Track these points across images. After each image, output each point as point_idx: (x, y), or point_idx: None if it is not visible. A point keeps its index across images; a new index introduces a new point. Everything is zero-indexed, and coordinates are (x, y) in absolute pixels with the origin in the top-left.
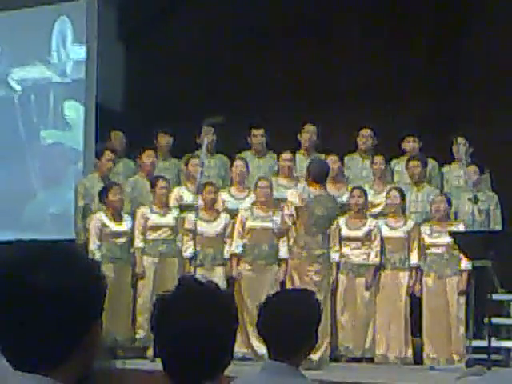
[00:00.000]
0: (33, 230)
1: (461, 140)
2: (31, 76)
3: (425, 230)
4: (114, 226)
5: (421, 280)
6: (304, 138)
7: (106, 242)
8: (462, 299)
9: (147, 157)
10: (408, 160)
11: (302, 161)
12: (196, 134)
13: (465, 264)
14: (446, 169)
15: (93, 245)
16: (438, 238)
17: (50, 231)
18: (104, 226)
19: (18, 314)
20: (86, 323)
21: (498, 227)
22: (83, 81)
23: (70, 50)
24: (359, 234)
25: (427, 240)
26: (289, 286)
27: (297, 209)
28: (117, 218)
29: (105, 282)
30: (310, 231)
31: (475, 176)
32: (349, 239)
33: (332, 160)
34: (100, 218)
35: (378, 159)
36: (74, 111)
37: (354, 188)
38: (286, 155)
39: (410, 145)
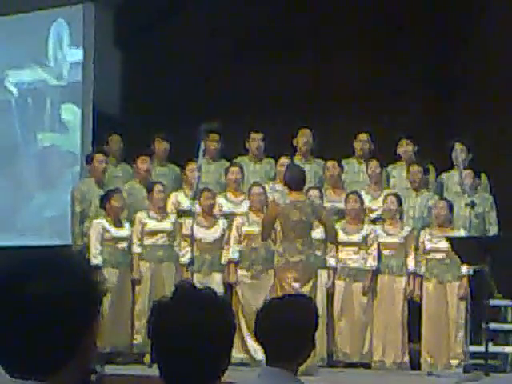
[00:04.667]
0: (29, 234)
1: (459, 146)
2: (28, 79)
3: (425, 235)
4: (115, 231)
5: (420, 285)
6: (300, 142)
7: (107, 248)
8: (463, 304)
9: (142, 162)
10: (408, 165)
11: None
12: (195, 139)
13: (465, 269)
14: (445, 175)
15: (94, 250)
16: (439, 244)
17: (46, 235)
18: (105, 231)
19: (13, 321)
20: (82, 329)
21: (494, 228)
22: (80, 84)
23: (66, 53)
24: (356, 238)
25: (428, 245)
26: (273, 293)
27: (277, 215)
28: (117, 223)
29: (101, 287)
30: (288, 237)
31: (470, 180)
32: (346, 244)
33: (331, 166)
34: (101, 223)
35: (373, 164)
36: (70, 114)
37: (349, 193)
38: (284, 160)
39: (404, 148)
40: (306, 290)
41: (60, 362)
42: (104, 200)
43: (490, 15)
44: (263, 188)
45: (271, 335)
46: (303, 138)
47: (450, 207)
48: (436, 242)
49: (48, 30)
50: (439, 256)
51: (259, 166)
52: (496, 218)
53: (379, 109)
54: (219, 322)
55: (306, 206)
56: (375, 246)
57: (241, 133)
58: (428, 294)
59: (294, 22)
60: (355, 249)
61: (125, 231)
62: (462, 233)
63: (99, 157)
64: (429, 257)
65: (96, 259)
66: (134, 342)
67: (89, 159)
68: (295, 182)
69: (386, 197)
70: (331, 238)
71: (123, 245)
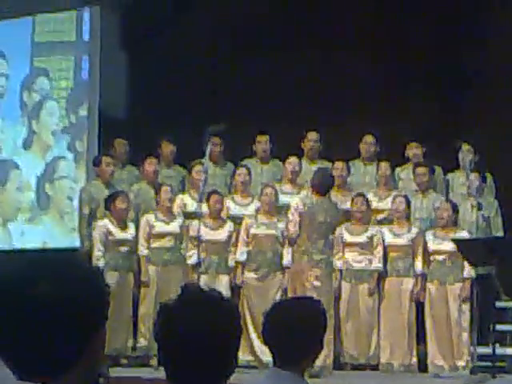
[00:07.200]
0: (35, 238)
1: (465, 147)
2: (33, 80)
3: (429, 236)
4: (118, 234)
5: (424, 287)
6: (307, 145)
7: (109, 250)
8: (465, 306)
9: (149, 164)
10: (415, 166)
11: (306, 168)
12: (202, 141)
13: (468, 271)
14: (450, 176)
15: (97, 252)
16: (441, 245)
17: (48, 236)
18: (109, 233)
19: (20, 324)
20: (89, 332)
21: (500, 234)
22: (87, 86)
23: (72, 56)
24: (361, 240)
25: (431, 247)
26: (290, 291)
27: (299, 215)
28: (122, 225)
29: (107, 290)
30: (311, 237)
31: (477, 182)
32: (351, 245)
33: (339, 167)
34: (105, 225)
35: (384, 165)
36: (76, 116)
37: (355, 195)
38: (293, 161)
39: (413, 151)
40: (327, 288)
41: (66, 364)
42: (108, 201)
43: (501, 16)
44: (275, 190)
45: (279, 337)
46: (309, 142)
47: (454, 208)
48: (439, 244)
49: (54, 32)
50: (441, 258)
51: (266, 167)
52: (501, 222)
53: (386, 110)
54: (225, 325)
55: (330, 208)
56: (380, 247)
57: (248, 135)
58: (430, 295)
59: (300, 22)
60: (360, 250)
61: (128, 234)
62: (465, 234)
63: (107, 159)
64: (432, 258)
65: (98, 261)
66: (138, 344)
67: (96, 161)
68: (324, 187)
69: (394, 198)
70: None
71: (125, 248)
